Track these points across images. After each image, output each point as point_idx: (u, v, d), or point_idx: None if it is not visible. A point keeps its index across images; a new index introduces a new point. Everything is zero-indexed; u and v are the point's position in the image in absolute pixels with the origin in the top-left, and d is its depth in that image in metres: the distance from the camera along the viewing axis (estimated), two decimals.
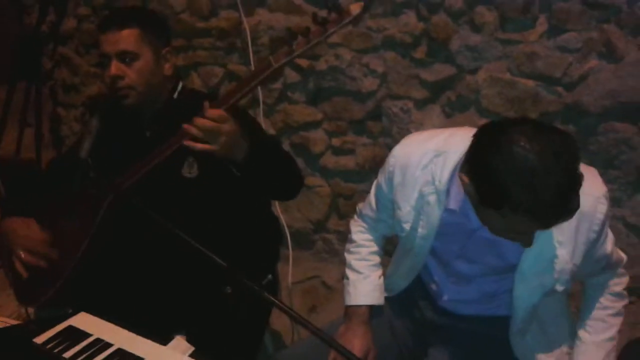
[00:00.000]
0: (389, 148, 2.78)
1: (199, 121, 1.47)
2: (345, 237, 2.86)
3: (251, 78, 1.52)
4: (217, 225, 1.73)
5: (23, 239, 1.78)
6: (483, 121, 2.45)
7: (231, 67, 2.95)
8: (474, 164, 1.29)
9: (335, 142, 2.85)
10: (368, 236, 1.77)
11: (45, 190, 1.93)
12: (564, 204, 1.22)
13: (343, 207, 2.94)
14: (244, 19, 2.77)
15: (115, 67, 1.70)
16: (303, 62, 2.77)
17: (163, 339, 1.35)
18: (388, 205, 1.65)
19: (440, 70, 2.50)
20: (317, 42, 1.47)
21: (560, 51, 2.24)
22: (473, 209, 1.38)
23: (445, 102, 2.55)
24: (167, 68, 1.79)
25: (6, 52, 3.45)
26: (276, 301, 1.25)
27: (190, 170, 1.75)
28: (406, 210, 1.57)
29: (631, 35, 2.13)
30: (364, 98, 2.72)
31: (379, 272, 1.74)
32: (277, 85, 2.87)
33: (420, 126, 2.62)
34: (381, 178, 1.64)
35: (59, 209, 1.84)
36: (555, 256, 1.44)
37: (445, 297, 1.68)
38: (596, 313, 1.61)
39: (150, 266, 1.76)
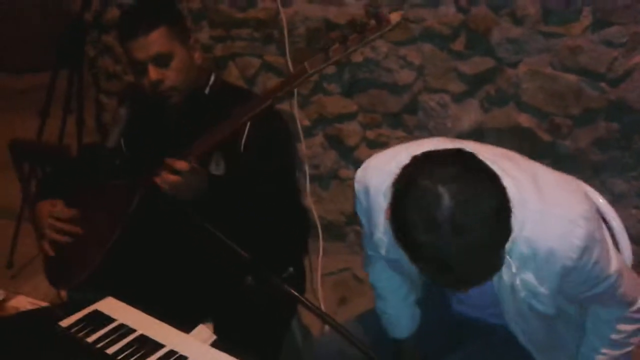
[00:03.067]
0: None
1: (167, 177, 1.56)
2: None
3: (286, 83, 1.50)
4: (242, 218, 1.73)
5: (49, 216, 1.81)
6: (523, 116, 2.41)
7: (268, 58, 2.94)
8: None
9: (370, 134, 2.82)
10: (384, 275, 1.62)
11: (76, 177, 1.96)
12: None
13: None
14: (281, 10, 2.76)
15: (154, 73, 1.67)
16: None
17: (190, 327, 1.36)
18: (369, 231, 1.51)
19: (479, 63, 2.44)
20: (354, 49, 1.45)
21: (605, 45, 2.16)
22: None
23: (484, 96, 2.49)
24: (198, 57, 1.78)
25: (50, 40, 3.53)
26: (295, 294, 1.24)
27: (217, 167, 1.76)
28: (377, 236, 1.43)
29: None
30: (400, 91, 2.68)
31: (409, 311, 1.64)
32: (313, 77, 2.85)
33: (457, 121, 2.57)
34: (355, 203, 1.52)
35: (89, 195, 1.87)
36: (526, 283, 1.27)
37: (458, 302, 1.62)
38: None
39: (177, 255, 1.78)
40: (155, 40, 1.67)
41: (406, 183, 1.11)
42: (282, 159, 1.82)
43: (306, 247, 2.05)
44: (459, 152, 1.14)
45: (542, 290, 1.25)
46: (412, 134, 2.73)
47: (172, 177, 1.56)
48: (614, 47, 2.15)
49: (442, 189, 1.05)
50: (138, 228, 1.75)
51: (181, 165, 1.56)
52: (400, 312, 1.61)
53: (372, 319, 1.69)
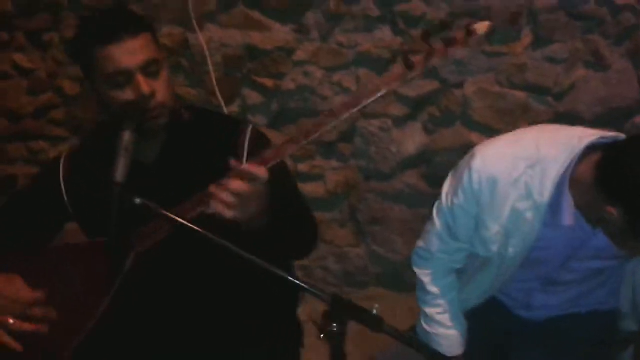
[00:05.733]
0: (363, 171, 2.67)
1: (235, 185, 1.18)
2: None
3: (357, 100, 1.26)
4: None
5: (9, 301, 1.36)
6: (473, 135, 2.44)
7: (177, 90, 2.60)
8: (631, 199, 1.19)
9: (303, 167, 2.63)
10: (443, 283, 1.58)
11: (18, 234, 1.49)
12: None
13: None
14: (200, 35, 2.46)
15: (145, 84, 1.31)
16: (267, 82, 2.54)
17: None
18: (471, 227, 1.48)
19: (422, 86, 2.42)
20: (432, 63, 1.28)
21: (549, 62, 2.28)
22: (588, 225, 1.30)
23: (427, 119, 2.47)
24: None
25: None
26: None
27: None
28: (495, 230, 1.41)
29: (615, 44, 2.23)
30: None
31: (462, 318, 1.60)
32: (233, 108, 2.59)
33: (401, 145, 2.51)
34: (458, 200, 1.46)
35: (45, 258, 1.45)
36: None
37: (526, 307, 1.58)
38: None
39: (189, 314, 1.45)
40: (145, 45, 1.32)
41: None
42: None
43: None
44: None
45: None
46: (347, 163, 2.61)
47: (243, 186, 1.18)
48: (557, 63, 2.28)
49: None
50: (133, 293, 1.36)
51: (260, 170, 1.20)
52: (457, 323, 1.57)
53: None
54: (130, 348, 1.45)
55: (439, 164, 2.44)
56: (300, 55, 2.50)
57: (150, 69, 1.32)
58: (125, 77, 1.31)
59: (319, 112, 2.55)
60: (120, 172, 1.22)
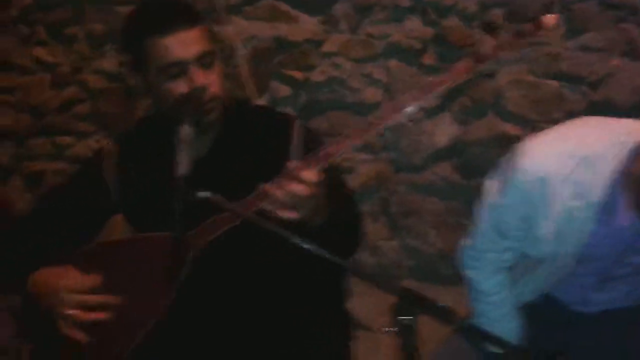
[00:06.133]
0: (394, 163, 2.66)
1: (292, 187, 1.16)
2: None
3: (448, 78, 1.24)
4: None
5: (65, 293, 1.34)
6: (507, 125, 2.42)
7: None
8: None
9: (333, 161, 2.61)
10: (494, 281, 1.56)
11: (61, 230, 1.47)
12: None
13: None
14: (228, 27, 2.44)
15: (200, 76, 1.30)
16: (296, 74, 2.52)
17: None
18: (520, 227, 1.45)
19: None
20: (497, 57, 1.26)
21: (583, 51, 2.26)
22: None
23: (459, 109, 2.46)
24: None
25: None
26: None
27: None
28: (547, 229, 1.39)
29: None
30: (365, 110, 2.54)
31: (516, 314, 1.59)
32: (262, 101, 2.57)
33: (432, 136, 2.50)
34: (506, 199, 1.43)
35: (105, 253, 1.44)
36: None
37: (582, 303, 1.57)
38: None
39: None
40: (200, 37, 1.31)
41: None
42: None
43: None
44: None
45: None
46: (378, 156, 2.59)
47: (303, 189, 1.16)
48: (591, 51, 2.26)
49: None
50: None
51: (312, 175, 1.17)
52: (511, 319, 1.56)
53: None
54: (184, 341, 1.45)
55: (472, 155, 2.43)
56: (328, 46, 2.48)
57: (204, 61, 1.31)
58: (180, 69, 1.30)
59: (348, 104, 2.54)
60: (183, 166, 1.20)
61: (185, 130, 1.24)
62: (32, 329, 1.52)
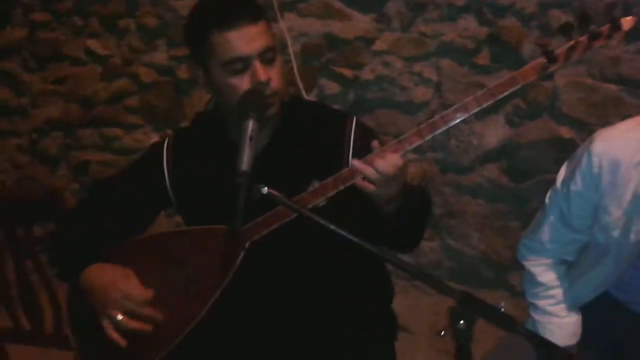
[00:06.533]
0: (440, 163, 2.63)
1: (380, 163, 1.21)
2: None
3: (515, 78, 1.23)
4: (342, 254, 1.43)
5: (121, 296, 1.36)
6: (562, 129, 2.37)
7: None
8: None
9: None
10: (554, 274, 1.54)
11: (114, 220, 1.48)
12: None
13: None
14: (282, 22, 2.44)
15: (263, 71, 1.29)
16: (345, 71, 2.51)
17: None
18: (589, 214, 1.45)
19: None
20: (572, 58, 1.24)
21: None
22: None
23: (511, 110, 2.41)
24: None
25: None
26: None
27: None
28: (616, 215, 1.39)
29: None
30: (414, 109, 2.51)
31: (576, 307, 1.56)
32: (310, 97, 2.56)
33: (482, 137, 2.46)
34: (576, 186, 1.43)
35: (159, 242, 1.45)
36: None
37: None
38: None
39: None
40: (263, 32, 1.31)
41: None
42: None
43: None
44: None
45: None
46: (424, 156, 2.56)
47: (391, 167, 1.21)
48: None
49: None
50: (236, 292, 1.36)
51: (396, 158, 1.22)
52: (571, 311, 1.54)
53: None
54: (233, 332, 1.45)
55: (523, 158, 2.39)
56: (380, 45, 2.46)
57: (267, 56, 1.31)
58: (243, 64, 1.29)
59: (397, 103, 2.52)
60: (246, 161, 1.19)
61: (250, 126, 1.23)
62: (76, 320, 1.56)
